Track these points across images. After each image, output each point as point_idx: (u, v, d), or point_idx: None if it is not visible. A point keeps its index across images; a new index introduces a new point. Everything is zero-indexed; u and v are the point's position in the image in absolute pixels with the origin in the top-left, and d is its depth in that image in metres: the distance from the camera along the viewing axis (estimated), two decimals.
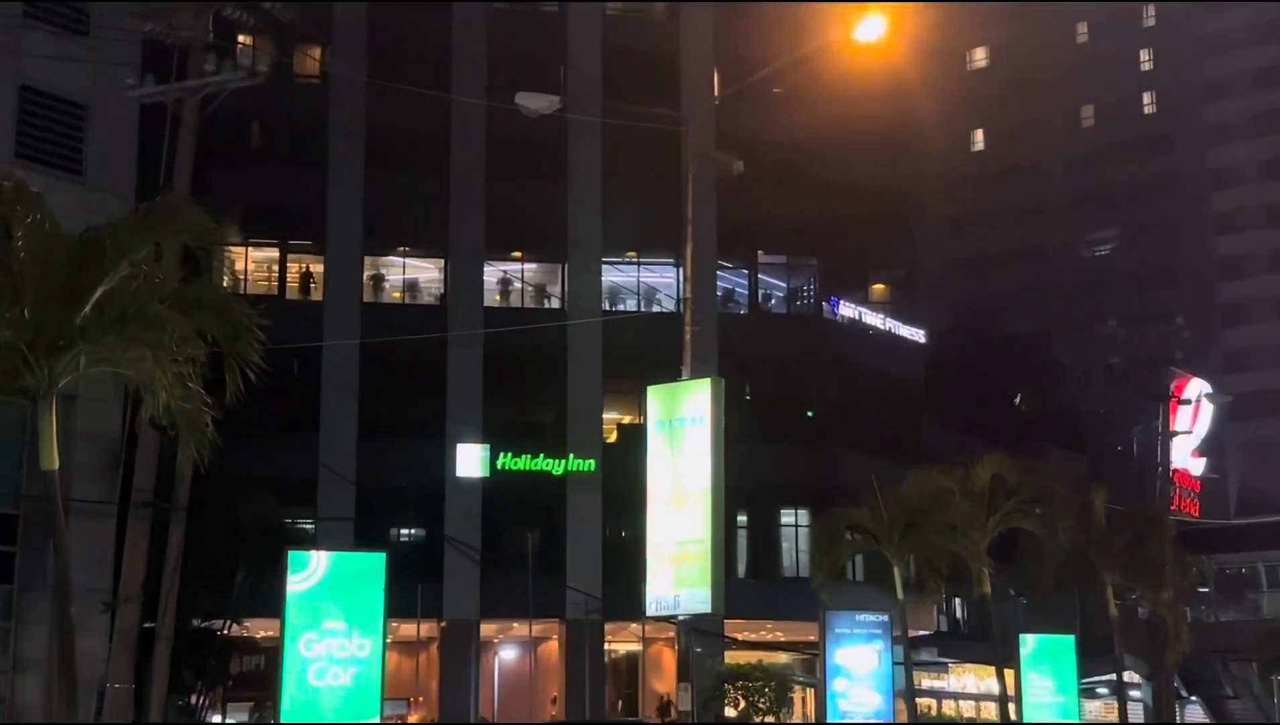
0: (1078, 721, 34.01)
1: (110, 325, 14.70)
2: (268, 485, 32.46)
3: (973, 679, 55.47)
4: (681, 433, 24.41)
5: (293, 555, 19.44)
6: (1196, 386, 67.77)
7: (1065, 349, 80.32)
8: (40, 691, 24.97)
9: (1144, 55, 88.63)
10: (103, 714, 22.75)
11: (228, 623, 30.78)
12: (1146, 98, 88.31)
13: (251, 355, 15.34)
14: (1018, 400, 66.95)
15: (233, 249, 43.73)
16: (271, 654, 20.63)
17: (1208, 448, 68.60)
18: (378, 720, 19.31)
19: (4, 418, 25.97)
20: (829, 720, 29.86)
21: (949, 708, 54.07)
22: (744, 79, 34.27)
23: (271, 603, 21.28)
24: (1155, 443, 65.26)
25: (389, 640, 42.06)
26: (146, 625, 24.32)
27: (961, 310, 78.67)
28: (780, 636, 48.10)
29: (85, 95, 27.01)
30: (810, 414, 47.11)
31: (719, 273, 46.24)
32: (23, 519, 26.53)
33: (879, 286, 51.93)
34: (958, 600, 54.58)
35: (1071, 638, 35.46)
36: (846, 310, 48.36)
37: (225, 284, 40.35)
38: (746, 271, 47.66)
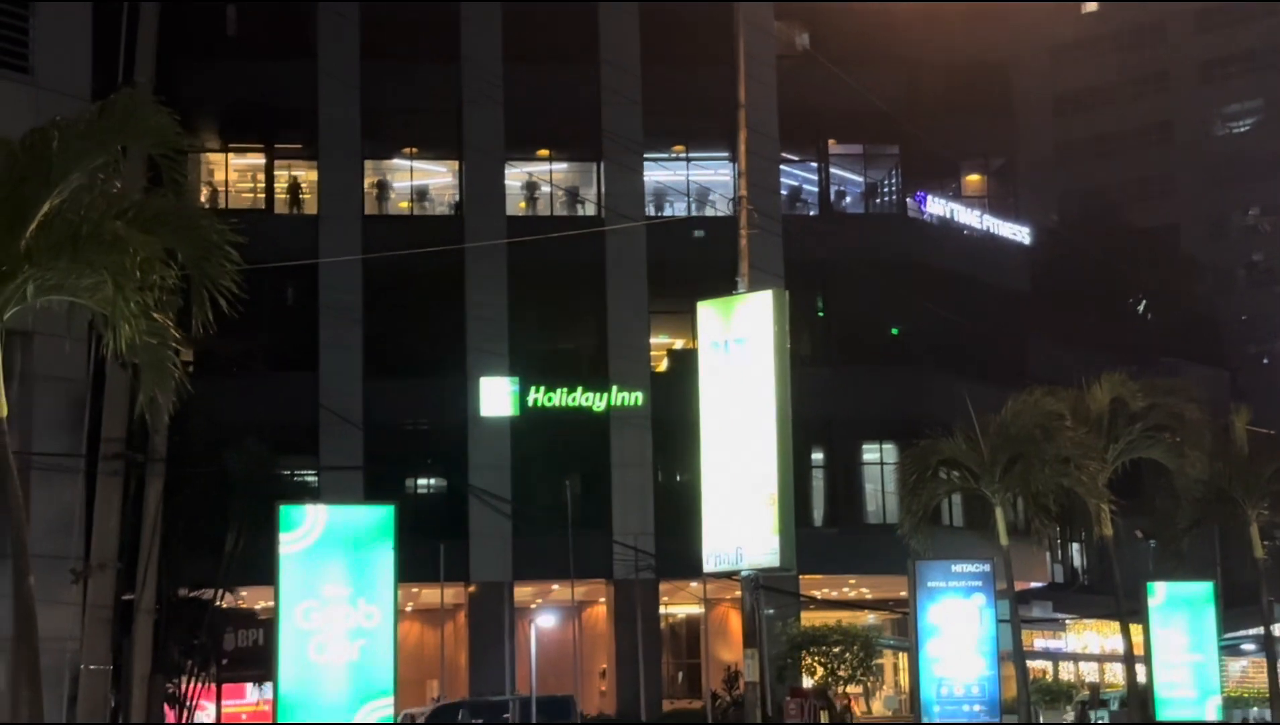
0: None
1: (61, 247, 14.64)
2: (261, 432, 32.58)
3: (1094, 637, 55.42)
4: (740, 355, 24.32)
5: (283, 510, 19.43)
6: None
7: (1198, 245, 79.33)
8: (6, 676, 25.34)
9: None
10: (77, 699, 23.05)
11: (219, 592, 31.06)
12: None
13: (222, 277, 15.21)
14: (1142, 308, 66.33)
15: (210, 156, 44.00)
16: (272, 627, 20.77)
17: None
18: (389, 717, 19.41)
19: None
20: (923, 689, 29.85)
21: (1067, 671, 54.10)
22: None
23: (269, 568, 21.39)
24: None
25: (407, 609, 43.27)
26: (125, 598, 24.65)
27: (1073, 203, 77.77)
28: (864, 593, 48.20)
29: None
30: (895, 332, 46.93)
31: (783, 167, 46.02)
32: None
33: (973, 178, 51.40)
34: (1074, 546, 54.50)
35: (1210, 584, 35.14)
36: (935, 207, 47.96)
37: (202, 198, 41.56)
38: (815, 165, 47.34)
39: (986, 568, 30.64)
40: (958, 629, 30.09)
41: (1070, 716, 45.06)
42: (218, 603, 30.89)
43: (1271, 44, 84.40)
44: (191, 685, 30.45)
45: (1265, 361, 66.59)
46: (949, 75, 47.53)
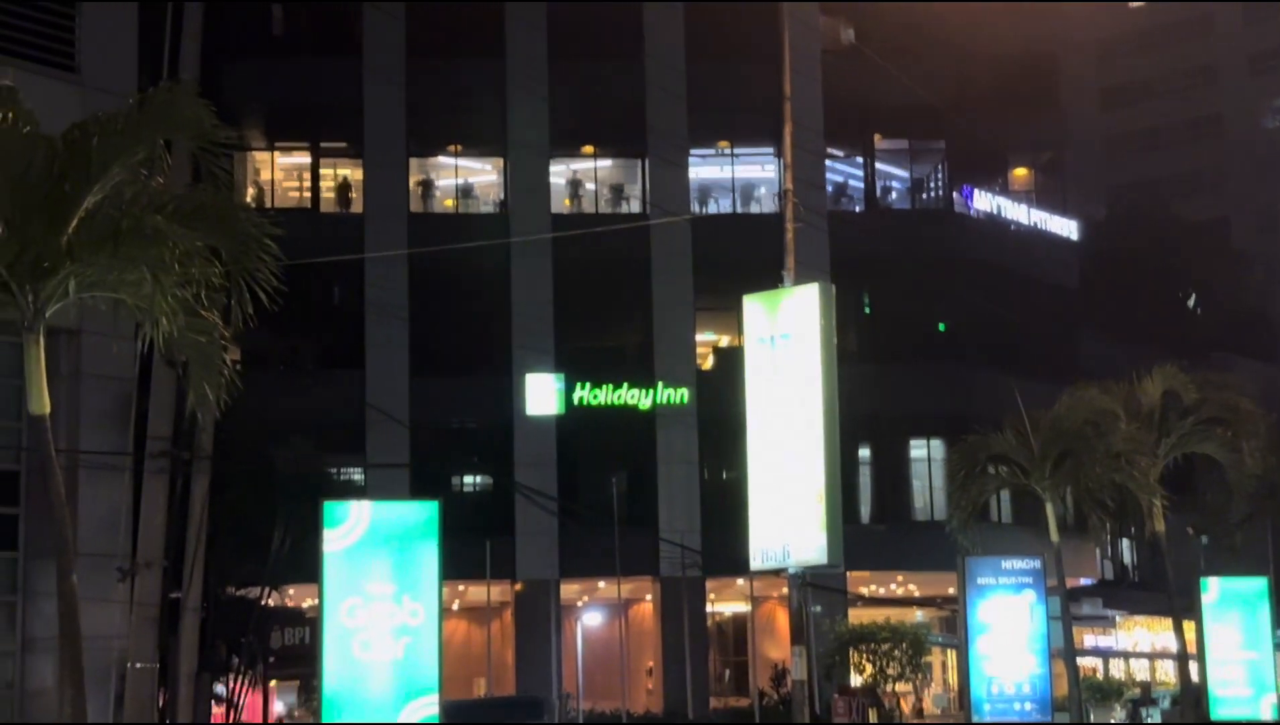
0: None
1: (101, 242, 14.52)
2: (307, 429, 32.59)
3: (1145, 634, 54.80)
4: (786, 350, 24.15)
5: (328, 507, 19.36)
6: None
7: (1248, 238, 78.41)
8: (54, 674, 25.32)
9: None
10: (124, 698, 22.99)
11: (266, 590, 31.01)
12: None
13: (260, 271, 15.07)
14: (1192, 302, 65.59)
15: (256, 156, 44.07)
16: (318, 626, 20.77)
17: None
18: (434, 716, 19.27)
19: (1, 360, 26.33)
20: (973, 687, 29.53)
21: (1117, 669, 53.56)
22: None
23: (315, 566, 21.40)
24: None
25: (453, 606, 43.24)
26: (171, 596, 24.60)
27: (1121, 197, 77.02)
28: (913, 590, 47.90)
29: None
30: (942, 327, 46.58)
31: (828, 163, 45.74)
32: (24, 476, 26.84)
33: (1021, 172, 51.03)
34: (1124, 541, 53.89)
35: (1264, 580, 34.71)
36: (982, 202, 47.56)
37: (248, 197, 41.58)
38: (861, 160, 47.05)
39: (1037, 564, 30.34)
40: (1008, 626, 29.83)
41: (1121, 715, 44.54)
42: (264, 601, 30.84)
43: None
44: (239, 683, 30.39)
45: None
46: (996, 69, 47.11)
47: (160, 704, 24.81)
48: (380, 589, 19.54)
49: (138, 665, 22.45)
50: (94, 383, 26.80)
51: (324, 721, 19.29)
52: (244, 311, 15.52)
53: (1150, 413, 34.17)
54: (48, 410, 14.87)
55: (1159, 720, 44.39)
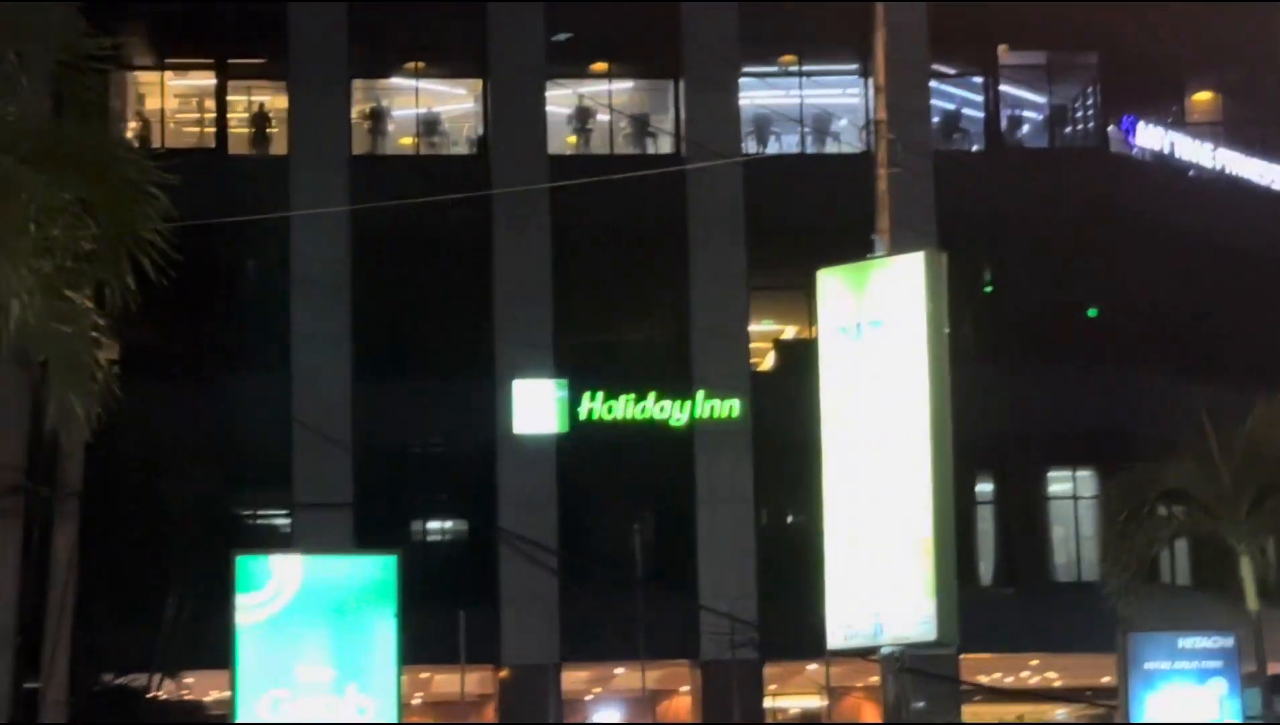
0: None
1: None
2: (211, 456, 32.69)
3: None
4: (877, 344, 24.11)
5: (242, 562, 19.46)
6: None
7: None
8: None
9: None
10: None
11: (157, 678, 31.12)
12: None
13: (148, 236, 15.08)
14: None
15: (141, 78, 44.18)
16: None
17: None
18: None
19: None
20: None
21: None
22: None
23: (223, 643, 21.44)
24: None
25: (414, 700, 43.06)
26: (26, 686, 24.65)
27: None
28: (1052, 678, 47.79)
29: None
30: (1093, 313, 46.44)
31: (935, 85, 45.72)
32: None
33: (1202, 96, 50.81)
34: None
35: None
36: (1149, 138, 47.40)
37: (130, 134, 41.68)
38: (981, 81, 46.94)
39: (1229, 642, 30.28)
40: None
41: None
42: (154, 693, 30.92)
43: None
44: None
45: None
46: None
47: None
48: (316, 675, 19.62)
49: None
50: None
51: None
52: (125, 292, 15.51)
53: None
54: None
55: None
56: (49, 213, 14.51)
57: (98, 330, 15.72)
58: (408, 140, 45.48)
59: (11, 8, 15.47)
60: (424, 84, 45.50)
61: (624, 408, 42.91)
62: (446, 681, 41.02)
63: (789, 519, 42.81)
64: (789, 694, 45.73)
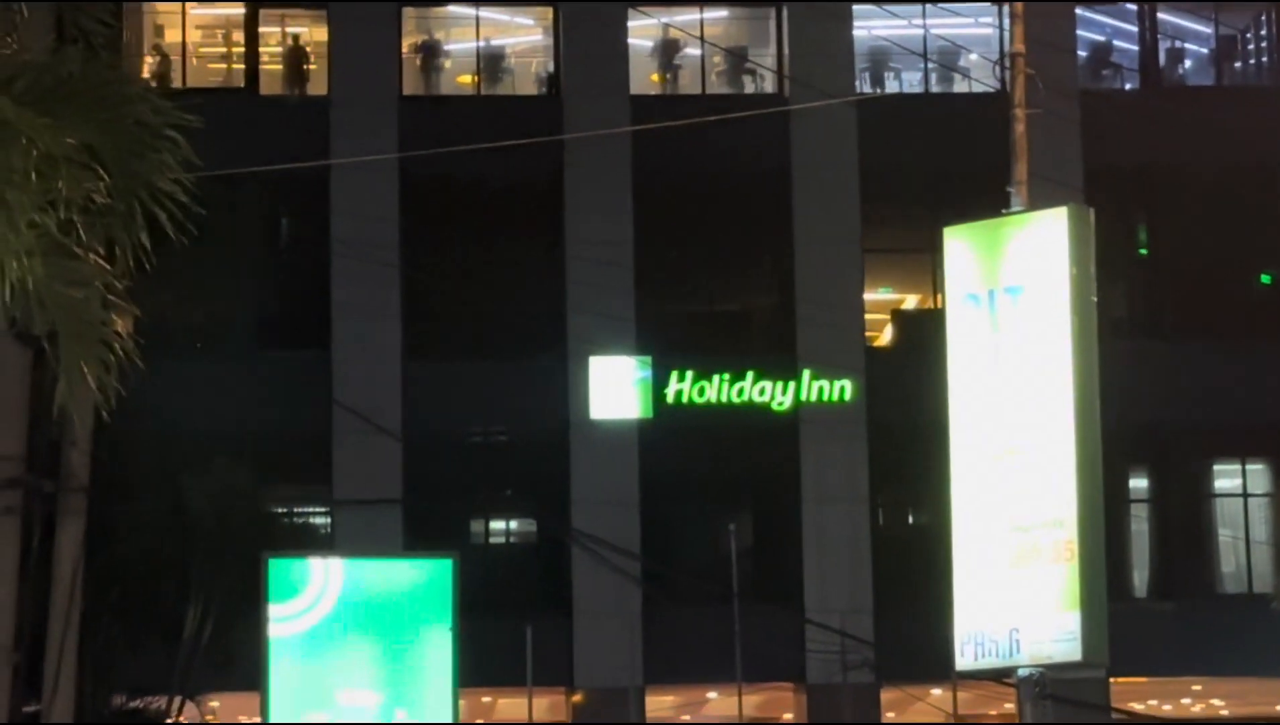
0: None
1: None
2: (240, 444, 32.76)
3: None
4: (1014, 314, 24.05)
5: (274, 566, 19.53)
6: None
7: None
8: None
9: None
10: None
11: (177, 702, 31.32)
12: None
13: (166, 187, 15.11)
14: None
15: (159, 7, 44.39)
16: None
17: None
18: None
19: None
20: None
21: None
22: None
23: (252, 661, 21.56)
24: None
25: None
26: (27, 709, 24.83)
27: None
28: (1218, 706, 47.55)
29: None
30: (1266, 279, 46.20)
31: (1081, 12, 45.61)
32: None
33: None
34: None
35: None
36: None
37: (146, 72, 41.87)
38: (1135, 7, 46.72)
39: None
40: None
41: None
42: (172, 718, 31.11)
43: None
44: None
45: None
46: None
47: None
48: (360, 699, 19.74)
49: None
50: None
51: None
52: (139, 252, 15.53)
53: None
54: None
55: None
56: (51, 161, 14.53)
57: (111, 294, 15.75)
58: (466, 78, 45.70)
59: None
60: (485, 12, 45.55)
61: (717, 389, 43.00)
62: (512, 706, 41.28)
63: (910, 520, 42.88)
64: (910, 720, 45.69)
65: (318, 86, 44.29)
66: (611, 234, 43.11)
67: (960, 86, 45.08)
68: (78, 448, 24.40)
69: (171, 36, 44.89)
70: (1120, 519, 42.91)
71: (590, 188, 43.16)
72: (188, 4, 44.90)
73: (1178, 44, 47.77)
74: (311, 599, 19.78)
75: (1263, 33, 47.82)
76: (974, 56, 45.12)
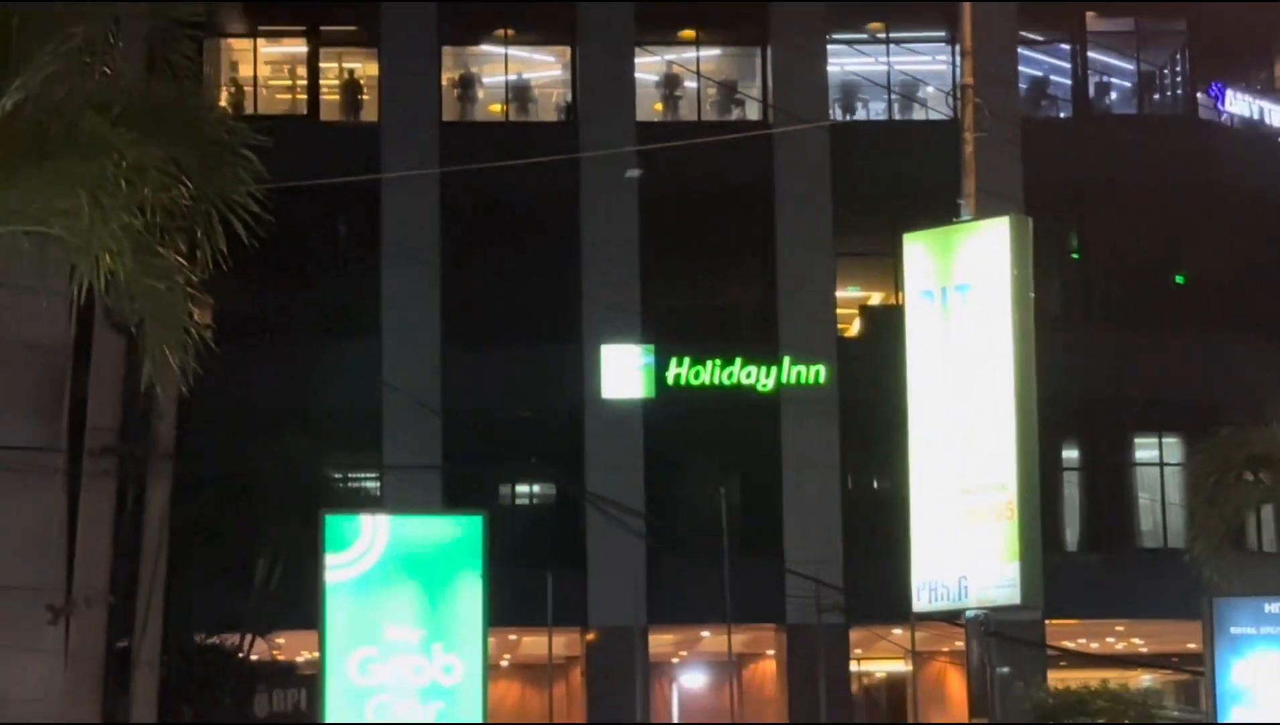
0: None
1: (23, 155, 14.59)
2: (303, 418, 32.77)
3: None
4: (963, 309, 24.02)
5: (330, 522, 19.51)
6: None
7: None
8: None
9: None
10: None
11: (247, 638, 31.34)
12: None
13: (239, 196, 15.09)
14: None
15: (234, 44, 44.39)
16: (317, 685, 20.99)
17: None
18: None
19: None
20: None
21: None
22: None
23: (313, 604, 21.60)
24: None
25: (502, 662, 43.17)
26: (119, 645, 24.82)
27: None
28: (1137, 644, 47.52)
29: None
30: (1180, 279, 46.17)
31: (1023, 51, 45.53)
32: None
33: None
34: None
35: None
36: (1238, 105, 47.02)
37: (223, 101, 41.86)
38: (1069, 47, 46.65)
39: None
40: (1275, 693, 29.50)
41: None
42: (245, 652, 31.14)
43: None
44: None
45: None
46: None
47: None
48: (403, 635, 19.67)
49: None
50: (14, 354, 27.09)
51: None
52: (216, 252, 15.52)
53: None
54: None
55: None
56: (139, 171, 14.52)
57: (192, 287, 15.74)
58: (496, 107, 45.64)
59: None
60: (513, 51, 45.64)
61: (710, 373, 42.95)
62: (534, 643, 41.20)
63: (874, 484, 42.79)
64: (874, 658, 45.73)
65: (370, 114, 44.37)
66: (620, 240, 43.17)
67: (919, 114, 45.11)
68: (164, 420, 24.40)
69: (244, 70, 44.99)
70: (1054, 483, 42.90)
71: (602, 200, 43.19)
72: (258, 42, 44.98)
73: (1105, 78, 47.68)
74: (362, 550, 19.71)
75: (1177, 69, 47.76)
76: (930, 89, 45.10)
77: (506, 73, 45.51)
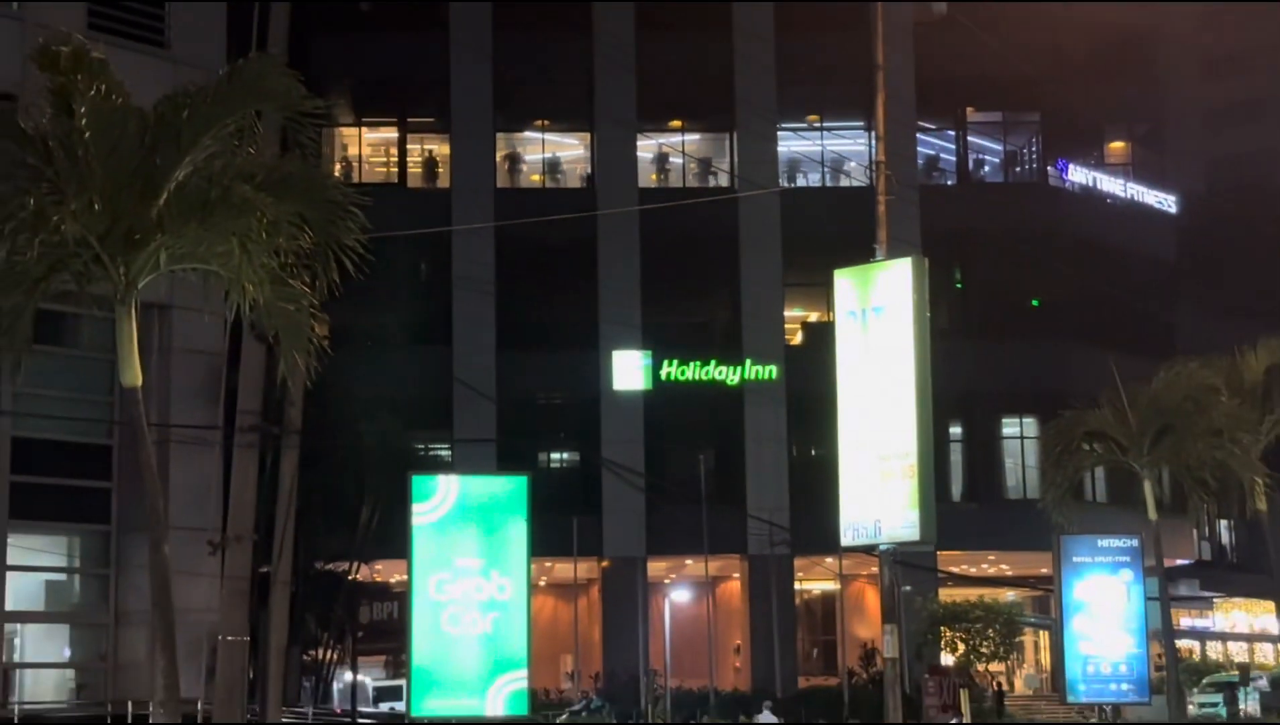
0: None
1: (192, 213, 14.56)
2: (395, 405, 32.74)
3: (1243, 616, 54.05)
4: (878, 325, 23.88)
5: (416, 480, 19.44)
6: None
7: None
8: (146, 646, 25.64)
9: None
10: (215, 671, 23.19)
11: (355, 565, 31.31)
12: None
13: (347, 241, 15.04)
14: None
15: (344, 131, 44.34)
16: (406, 601, 21.03)
17: None
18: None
19: (91, 335, 26.65)
20: (1068, 667, 29.19)
21: (1215, 650, 52.83)
22: None
23: (403, 541, 21.58)
24: None
25: (540, 583, 43.34)
26: (261, 570, 24.79)
27: (1221, 170, 75.66)
28: (1005, 570, 47.51)
29: None
30: (1035, 303, 46.15)
31: (920, 136, 45.37)
32: (117, 451, 27.22)
33: (1117, 145, 50.33)
34: (1224, 522, 53.11)
35: None
36: (1078, 175, 47.00)
37: (335, 172, 41.83)
38: (953, 133, 46.59)
39: (1135, 543, 29.95)
40: (1104, 606, 29.46)
41: (1198, 698, 43.03)
42: (353, 575, 31.16)
43: None
44: (328, 657, 30.68)
45: None
46: (1092, 38, 46.44)
47: (250, 676, 25.01)
48: (468, 563, 19.60)
49: (228, 638, 22.57)
50: (184, 357, 27.13)
51: (414, 695, 19.38)
52: (330, 281, 15.49)
53: (1254, 388, 33.52)
54: (140, 382, 14.93)
55: (1256, 703, 43.68)
56: (275, 224, 14.54)
57: (313, 308, 15.73)
58: (536, 177, 45.55)
59: (251, 75, 15.49)
60: (548, 136, 45.57)
61: (692, 371, 42.98)
62: (563, 569, 41.23)
63: (812, 452, 42.73)
64: (812, 579, 45.67)
65: (443, 182, 44.25)
66: (626, 274, 43.18)
67: (845, 182, 45.01)
68: (294, 406, 24.32)
69: (352, 150, 44.97)
70: (943, 452, 42.94)
71: (613, 245, 43.17)
72: (362, 130, 44.98)
73: (980, 156, 47.67)
74: (438, 501, 19.65)
75: (1033, 149, 47.73)
76: (852, 163, 45.07)
77: (543, 152, 45.46)
